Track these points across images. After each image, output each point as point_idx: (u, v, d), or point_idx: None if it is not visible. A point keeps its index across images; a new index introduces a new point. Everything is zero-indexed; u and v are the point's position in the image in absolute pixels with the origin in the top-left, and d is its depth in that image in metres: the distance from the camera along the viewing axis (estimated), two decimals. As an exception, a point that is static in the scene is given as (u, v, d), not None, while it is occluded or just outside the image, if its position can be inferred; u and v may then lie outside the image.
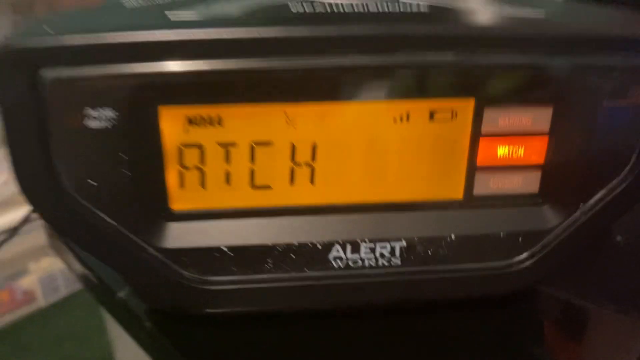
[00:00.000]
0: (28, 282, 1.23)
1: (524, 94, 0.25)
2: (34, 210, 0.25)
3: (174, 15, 0.23)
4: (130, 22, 0.23)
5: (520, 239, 0.28)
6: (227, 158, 0.26)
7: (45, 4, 1.11)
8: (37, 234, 1.21)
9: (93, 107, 0.23)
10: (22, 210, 1.15)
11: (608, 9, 0.28)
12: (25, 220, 0.42)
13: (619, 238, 0.41)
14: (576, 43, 0.25)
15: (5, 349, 1.16)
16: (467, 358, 0.29)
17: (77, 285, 1.31)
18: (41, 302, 1.26)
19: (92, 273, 0.33)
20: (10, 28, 1.10)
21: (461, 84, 0.25)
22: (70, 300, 1.28)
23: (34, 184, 0.24)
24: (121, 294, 0.31)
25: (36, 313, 1.24)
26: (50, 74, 0.22)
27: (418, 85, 0.25)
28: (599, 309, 0.33)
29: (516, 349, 0.30)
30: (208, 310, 0.28)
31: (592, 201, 0.28)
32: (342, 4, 0.25)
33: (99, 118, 0.23)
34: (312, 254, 0.27)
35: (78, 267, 0.35)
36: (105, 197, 0.25)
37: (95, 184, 0.24)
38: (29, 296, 1.24)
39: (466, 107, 0.25)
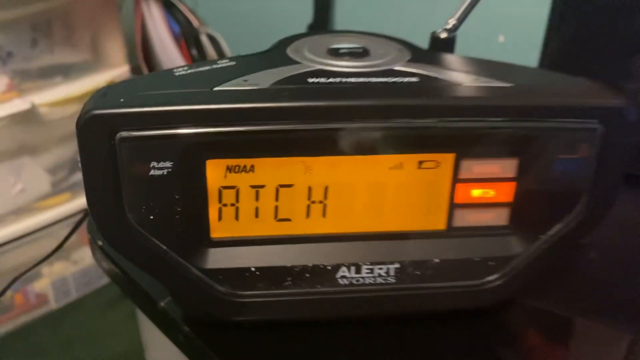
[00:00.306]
0: (41, 285, 1.26)
1: (494, 149, 0.32)
2: (103, 239, 0.31)
3: (218, 87, 0.30)
4: (184, 91, 0.29)
5: (491, 263, 0.34)
6: (257, 197, 0.32)
7: (62, 25, 1.16)
8: (50, 240, 1.26)
9: (157, 160, 0.29)
10: (36, 218, 1.21)
11: (568, 78, 0.34)
12: (68, 237, 0.47)
13: (592, 254, 0.47)
14: (536, 110, 0.31)
15: (19, 349, 1.20)
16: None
17: (88, 289, 1.35)
18: (53, 304, 1.28)
19: (136, 285, 0.39)
20: (28, 47, 1.15)
21: (443, 142, 0.31)
22: (81, 303, 1.30)
23: (106, 218, 0.30)
24: (162, 304, 0.37)
25: (48, 315, 1.27)
26: (125, 135, 0.28)
27: (409, 143, 0.31)
28: (581, 318, 0.38)
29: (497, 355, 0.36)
30: (238, 318, 0.33)
31: (551, 232, 0.33)
32: (349, 74, 0.32)
33: (160, 168, 0.29)
34: (323, 274, 0.33)
35: (123, 280, 0.41)
36: (160, 228, 0.31)
37: (153, 218, 0.30)
38: (41, 299, 1.26)
39: (447, 159, 0.32)
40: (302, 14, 1.15)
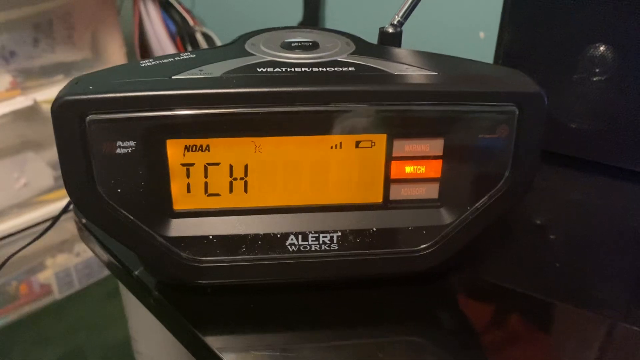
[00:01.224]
0: (45, 276, 1.29)
1: (421, 130, 0.36)
2: (78, 211, 0.35)
3: (176, 76, 0.34)
4: (146, 80, 0.34)
5: (424, 232, 0.38)
6: (213, 174, 0.36)
7: (63, 24, 1.20)
8: (54, 233, 1.29)
9: (122, 140, 0.33)
10: (40, 211, 1.25)
11: (492, 67, 0.38)
12: (65, 211, 0.51)
13: (552, 236, 0.51)
14: (457, 95, 0.35)
15: (24, 337, 1.22)
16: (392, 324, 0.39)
17: (90, 280, 1.38)
18: (57, 295, 1.30)
19: (114, 257, 0.44)
20: (30, 46, 1.20)
21: (376, 124, 0.35)
22: (83, 294, 1.31)
23: (79, 192, 0.34)
24: (136, 272, 0.42)
25: (52, 305, 1.28)
26: (93, 118, 0.32)
27: (346, 125, 0.35)
28: (560, 305, 0.41)
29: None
30: (199, 282, 0.37)
31: (477, 204, 0.37)
32: (294, 64, 0.36)
33: (125, 147, 0.33)
34: (274, 241, 0.37)
35: (103, 253, 0.45)
36: (127, 200, 0.35)
37: (121, 191, 0.34)
38: (45, 289, 1.29)
39: (381, 139, 0.36)
40: (295, 13, 1.19)
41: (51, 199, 1.27)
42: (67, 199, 0.54)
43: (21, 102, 1.16)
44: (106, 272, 1.37)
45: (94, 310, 1.31)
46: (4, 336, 1.23)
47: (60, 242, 1.32)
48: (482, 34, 1.00)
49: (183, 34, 1.25)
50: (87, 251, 1.38)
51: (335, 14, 1.15)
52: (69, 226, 1.26)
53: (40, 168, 1.25)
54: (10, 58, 1.17)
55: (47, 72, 1.21)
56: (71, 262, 1.33)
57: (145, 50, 1.27)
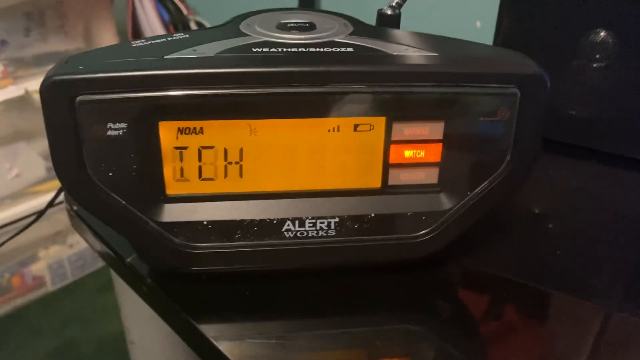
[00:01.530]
0: (38, 268, 1.29)
1: (421, 112, 0.35)
2: (67, 195, 0.34)
3: (168, 56, 0.33)
4: (137, 59, 0.33)
5: (423, 218, 0.37)
6: (207, 157, 0.35)
7: (55, 14, 1.19)
8: (47, 224, 1.29)
9: (113, 122, 0.32)
10: (32, 202, 1.24)
11: (493, 49, 0.37)
12: (51, 204, 0.50)
13: (550, 225, 0.50)
14: (458, 77, 0.34)
15: (16, 329, 1.22)
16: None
17: (83, 272, 1.38)
18: (49, 287, 1.31)
19: (107, 245, 0.43)
20: (22, 35, 1.18)
21: (375, 106, 0.34)
22: (76, 285, 1.33)
23: (69, 175, 0.33)
24: (129, 260, 0.41)
25: (45, 297, 1.29)
26: (83, 99, 0.31)
27: (344, 107, 0.34)
28: (558, 293, 0.40)
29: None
30: (193, 268, 0.36)
31: (478, 189, 0.37)
32: (290, 45, 0.35)
33: (116, 129, 0.32)
34: (270, 227, 0.36)
35: (95, 241, 0.44)
36: (119, 184, 0.34)
37: (112, 174, 0.34)
38: (38, 281, 1.29)
39: (380, 122, 0.35)
40: (290, 2, 1.18)
41: (44, 190, 1.25)
42: (59, 190, 0.53)
43: (12, 91, 1.15)
44: (100, 264, 1.37)
45: (87, 302, 1.30)
46: (-4, 328, 1.22)
47: (53, 233, 1.31)
48: (478, 23, 0.99)
49: (177, 23, 1.23)
50: (80, 243, 1.38)
51: (331, 1, 1.14)
52: (61, 217, 1.25)
53: (33, 159, 1.24)
54: (1, 47, 1.16)
55: (39, 62, 1.20)
56: (64, 253, 1.33)
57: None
